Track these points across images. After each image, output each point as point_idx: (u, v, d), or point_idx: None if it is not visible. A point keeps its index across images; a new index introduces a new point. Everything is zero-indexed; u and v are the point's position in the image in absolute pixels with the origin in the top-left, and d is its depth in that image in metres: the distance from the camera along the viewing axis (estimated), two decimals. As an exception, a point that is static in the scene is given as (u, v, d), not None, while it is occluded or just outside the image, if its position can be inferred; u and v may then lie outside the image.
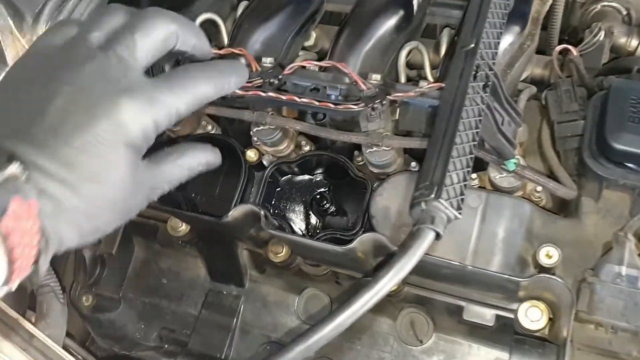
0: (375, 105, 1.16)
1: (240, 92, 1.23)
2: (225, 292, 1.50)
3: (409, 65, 1.38)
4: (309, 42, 1.49)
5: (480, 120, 1.00)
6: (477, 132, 0.98)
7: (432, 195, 0.88)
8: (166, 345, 1.48)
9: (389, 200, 1.16)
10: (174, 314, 1.52)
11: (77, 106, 0.70)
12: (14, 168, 0.65)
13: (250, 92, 1.23)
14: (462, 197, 0.91)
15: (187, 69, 0.83)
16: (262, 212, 1.19)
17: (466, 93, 0.99)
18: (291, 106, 1.25)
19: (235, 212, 1.22)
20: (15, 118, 0.70)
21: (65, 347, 1.19)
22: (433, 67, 1.34)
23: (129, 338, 1.49)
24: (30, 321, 0.99)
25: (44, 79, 0.71)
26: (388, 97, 1.18)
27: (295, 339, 0.84)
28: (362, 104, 1.17)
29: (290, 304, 1.47)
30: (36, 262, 0.67)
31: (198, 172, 0.92)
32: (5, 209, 0.62)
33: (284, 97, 1.20)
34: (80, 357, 1.35)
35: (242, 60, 1.31)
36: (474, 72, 1.03)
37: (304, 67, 1.26)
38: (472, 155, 0.96)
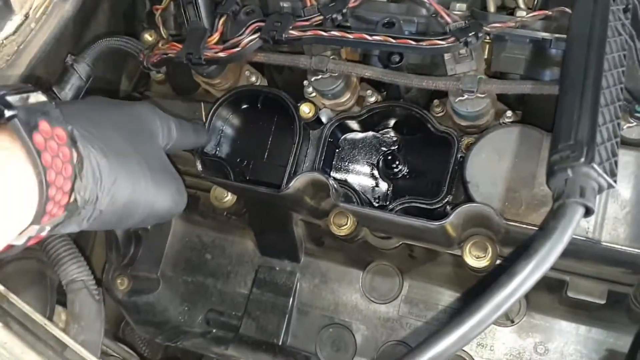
0: (469, 40, 0.93)
1: (296, 33, 1.00)
2: (278, 268, 1.30)
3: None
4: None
5: (624, 55, 0.76)
6: (623, 72, 0.75)
7: (582, 159, 0.66)
8: (214, 330, 1.30)
9: (489, 160, 0.93)
10: (221, 294, 1.33)
11: None
12: (39, 95, 0.71)
13: (309, 33, 0.99)
14: (616, 158, 0.69)
15: None
16: (331, 183, 0.98)
17: (607, 20, 0.75)
18: (361, 46, 1.01)
19: (297, 183, 1.00)
20: None
21: (103, 352, 1.00)
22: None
23: (172, 323, 1.31)
24: (59, 326, 0.80)
25: None
26: (485, 28, 0.94)
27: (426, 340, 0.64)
28: (452, 38, 0.93)
29: (353, 279, 1.28)
30: (68, 202, 0.70)
31: None
32: (36, 125, 0.67)
33: (351, 36, 0.97)
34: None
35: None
36: (612, -8, 0.78)
37: (371, -3, 1.03)
38: (622, 102, 0.73)
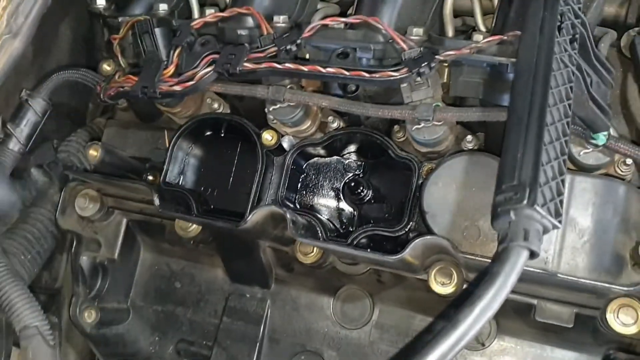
0: (422, 70, 0.91)
1: (250, 66, 0.98)
2: (248, 295, 1.29)
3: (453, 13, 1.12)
4: (327, -8, 1.23)
5: (572, 87, 0.75)
6: (569, 105, 0.74)
7: (525, 202, 0.64)
8: (185, 361, 1.29)
9: (446, 190, 0.92)
10: (191, 323, 1.31)
11: None
12: None
13: (263, 65, 0.98)
14: (561, 197, 0.67)
15: None
16: (289, 216, 0.96)
17: (552, 53, 0.74)
18: (314, 79, 1.00)
19: (255, 216, 0.99)
20: None
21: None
22: (484, 13, 1.08)
23: (142, 354, 1.30)
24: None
25: None
26: (437, 57, 0.93)
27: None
28: (405, 69, 0.92)
29: (324, 306, 1.26)
30: None
31: None
32: None
33: (305, 68, 0.96)
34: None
35: (250, 21, 1.06)
36: (558, 23, 0.77)
37: (326, 25, 1.01)
38: (568, 138, 0.71)
